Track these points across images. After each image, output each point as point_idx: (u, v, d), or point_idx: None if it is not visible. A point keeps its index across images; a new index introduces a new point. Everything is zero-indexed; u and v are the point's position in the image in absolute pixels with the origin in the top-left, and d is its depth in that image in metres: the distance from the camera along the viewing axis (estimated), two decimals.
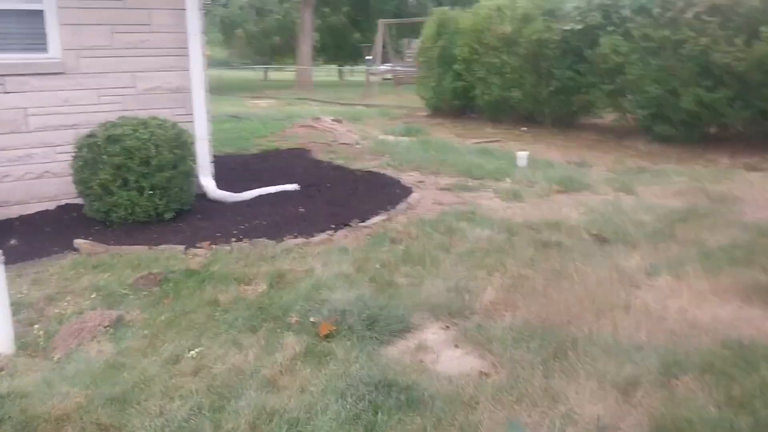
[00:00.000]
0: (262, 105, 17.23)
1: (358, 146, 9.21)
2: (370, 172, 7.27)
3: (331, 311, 3.21)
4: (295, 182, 6.32)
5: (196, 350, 2.81)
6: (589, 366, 2.79)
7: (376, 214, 5.28)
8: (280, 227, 4.85)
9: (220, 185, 5.97)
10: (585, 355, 2.89)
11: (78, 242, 4.28)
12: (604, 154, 9.14)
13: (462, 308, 3.41)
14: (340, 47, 38.18)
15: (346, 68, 40.89)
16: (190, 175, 5.01)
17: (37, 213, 5.14)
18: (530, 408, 2.48)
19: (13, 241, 4.45)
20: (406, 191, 6.20)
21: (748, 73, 8.02)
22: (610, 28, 9.71)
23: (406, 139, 10.32)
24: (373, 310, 3.24)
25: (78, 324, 3.08)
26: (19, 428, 2.28)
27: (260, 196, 5.76)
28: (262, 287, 3.61)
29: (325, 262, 4.04)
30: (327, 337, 2.97)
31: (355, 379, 2.61)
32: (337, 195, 6.01)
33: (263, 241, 4.45)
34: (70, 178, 4.87)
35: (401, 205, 5.59)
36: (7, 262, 2.94)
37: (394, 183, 6.61)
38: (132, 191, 4.59)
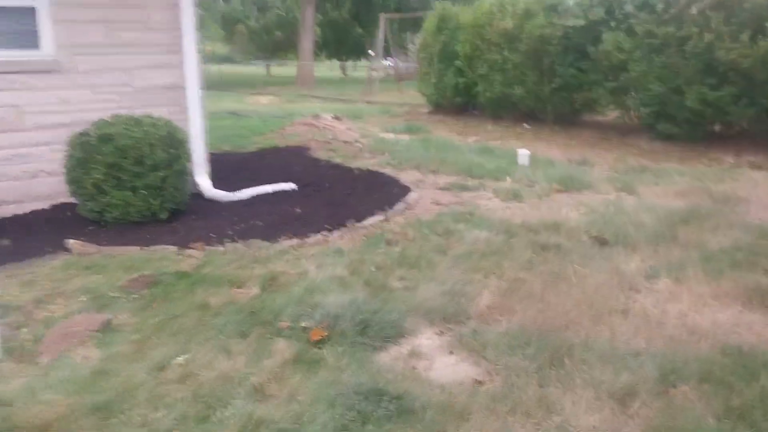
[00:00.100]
0: (263, 102, 17.18)
1: (357, 144, 9.14)
2: (368, 170, 7.20)
3: (324, 316, 3.16)
4: (292, 181, 6.27)
5: (184, 356, 2.76)
6: (585, 374, 2.73)
7: (373, 214, 5.21)
8: (276, 228, 4.79)
9: (217, 184, 5.92)
10: (581, 363, 2.83)
11: (70, 242, 4.23)
12: (606, 152, 9.05)
13: (457, 313, 3.35)
14: (342, 42, 38.04)
15: (349, 63, 40.80)
16: (185, 174, 4.95)
17: (32, 212, 5.09)
18: (524, 419, 2.43)
19: (5, 241, 4.41)
20: (405, 191, 6.14)
21: (753, 70, 7.91)
22: (612, 24, 9.61)
23: (406, 137, 10.25)
24: (366, 314, 3.18)
25: (65, 328, 3.04)
26: None
27: (257, 196, 5.70)
28: (255, 290, 3.55)
29: (319, 265, 3.98)
30: (318, 343, 2.92)
31: (345, 387, 2.55)
32: (334, 194, 5.95)
33: (258, 242, 4.40)
34: (65, 177, 4.81)
35: (399, 205, 5.53)
36: None
37: (393, 182, 6.54)
38: (126, 191, 4.54)
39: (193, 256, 4.12)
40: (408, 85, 19.86)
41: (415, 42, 18.73)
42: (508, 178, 6.86)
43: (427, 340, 3.13)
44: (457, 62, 12.57)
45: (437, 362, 2.91)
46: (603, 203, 5.76)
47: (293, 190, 6.00)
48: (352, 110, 14.70)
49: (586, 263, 4.13)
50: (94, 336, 2.98)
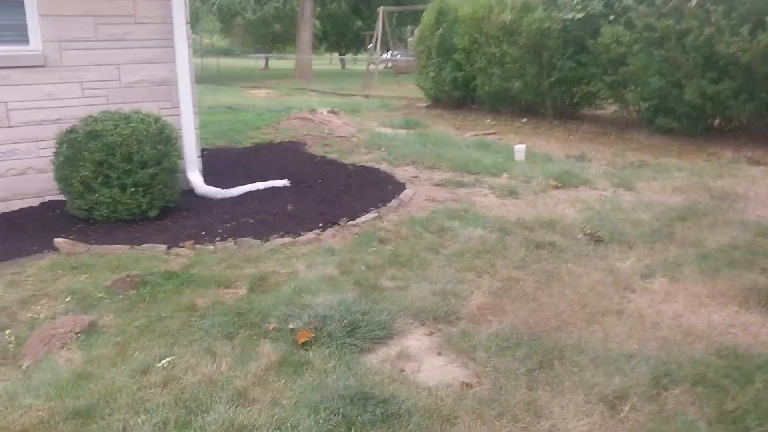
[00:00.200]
0: (260, 95, 17.09)
1: (353, 139, 9.08)
2: (363, 167, 7.14)
3: (312, 317, 3.10)
4: (286, 177, 6.21)
5: (168, 359, 2.70)
6: (576, 377, 2.68)
7: (367, 211, 5.15)
8: (267, 226, 4.73)
9: (210, 180, 5.86)
10: (572, 365, 2.78)
11: (58, 241, 4.18)
12: (604, 147, 8.98)
13: (448, 313, 3.30)
14: (342, 35, 37.90)
15: (349, 57, 40.66)
16: (175, 171, 4.89)
17: (20, 210, 5.03)
18: (511, 423, 2.38)
19: None
20: (400, 187, 6.07)
21: (753, 65, 7.83)
22: (611, 18, 9.51)
23: (403, 131, 10.18)
24: (355, 315, 3.13)
25: (49, 330, 2.99)
26: None
27: (249, 193, 5.64)
28: (243, 291, 3.50)
29: (309, 264, 3.92)
30: (305, 345, 2.87)
31: (330, 391, 2.50)
32: (328, 191, 5.89)
33: (248, 240, 4.34)
34: (53, 174, 4.75)
35: (393, 202, 5.47)
36: None
37: (388, 178, 6.48)
38: (114, 188, 4.48)
39: (183, 255, 4.07)
40: (407, 78, 19.76)
41: (414, 35, 18.61)
42: (504, 174, 6.80)
43: (416, 341, 3.07)
44: (456, 56, 12.48)
45: (426, 364, 2.86)
46: (599, 200, 5.70)
47: (286, 187, 5.94)
48: (350, 104, 14.63)
49: (581, 262, 4.08)
50: (78, 338, 2.93)
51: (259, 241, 4.34)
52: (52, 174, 4.76)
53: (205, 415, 2.33)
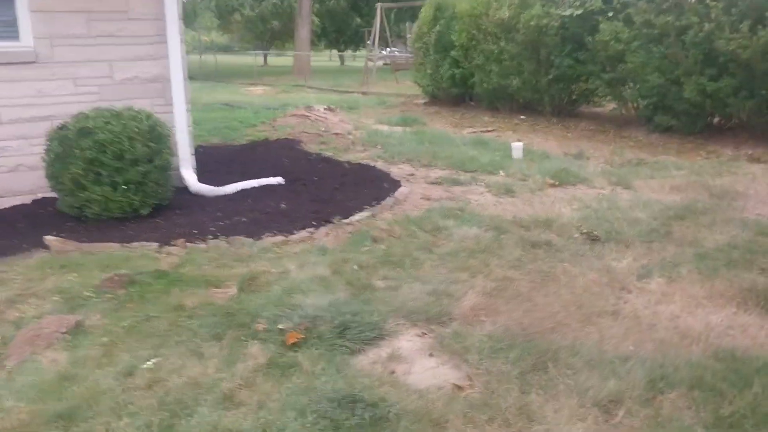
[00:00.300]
0: (257, 92, 17.01)
1: (350, 137, 9.02)
2: (359, 164, 7.08)
3: (302, 317, 3.05)
4: (281, 175, 6.15)
5: (153, 361, 2.65)
6: (569, 380, 2.63)
7: (361, 210, 5.10)
8: (260, 224, 4.68)
9: (204, 178, 5.80)
10: (566, 368, 2.73)
11: (48, 239, 4.12)
12: (602, 144, 8.93)
13: (440, 314, 3.25)
14: (341, 32, 37.81)
15: (348, 53, 40.54)
16: (168, 169, 4.83)
17: (12, 208, 4.98)
18: (503, 428, 2.33)
19: None
20: (395, 185, 6.02)
21: (753, 62, 7.77)
22: (610, 14, 9.45)
23: (400, 129, 10.12)
24: (346, 316, 3.08)
25: (34, 330, 2.93)
26: None
27: (243, 191, 5.58)
28: (233, 290, 3.44)
29: (301, 263, 3.87)
30: (294, 346, 2.81)
31: (318, 393, 2.45)
32: (322, 189, 5.84)
33: (241, 239, 4.29)
34: (44, 172, 4.70)
35: (388, 201, 5.42)
36: None
37: (383, 176, 6.42)
38: (105, 186, 4.42)
39: (174, 254, 4.02)
40: (405, 75, 19.69)
41: (412, 31, 18.54)
42: (501, 172, 6.74)
43: (407, 342, 3.02)
44: (453, 52, 12.41)
45: (417, 366, 2.81)
46: (597, 198, 5.65)
47: (280, 185, 5.88)
48: (348, 101, 14.56)
49: (577, 261, 4.03)
50: (64, 338, 2.88)
51: (251, 240, 4.29)
52: (44, 171, 4.70)
53: (189, 418, 2.28)
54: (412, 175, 6.66)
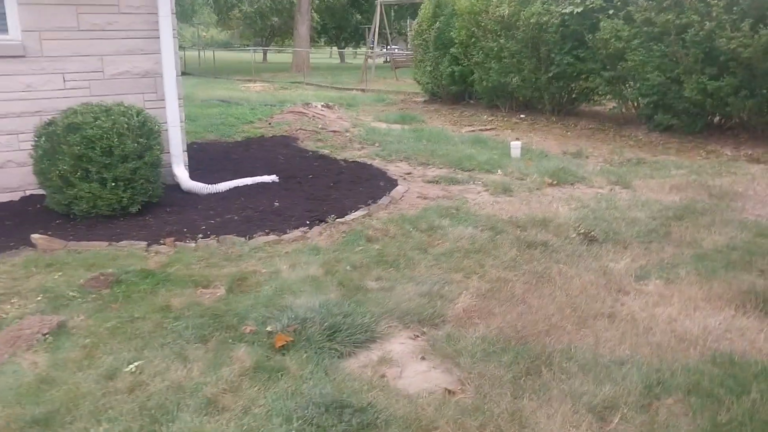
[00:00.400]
0: (255, 89, 16.91)
1: (347, 134, 8.94)
2: (356, 162, 7.01)
3: (291, 319, 2.98)
4: (276, 172, 6.07)
5: (136, 364, 2.58)
6: (564, 385, 2.56)
7: (356, 209, 5.03)
8: (253, 223, 4.61)
9: (197, 175, 5.72)
10: (561, 372, 2.66)
11: (34, 237, 4.04)
12: (602, 143, 8.86)
13: (433, 316, 3.18)
14: (341, 29, 37.71)
15: (349, 51, 40.42)
16: (158, 165, 4.75)
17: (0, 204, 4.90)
18: None
19: None
20: (391, 184, 5.95)
21: (753, 61, 7.69)
22: (611, 12, 9.36)
23: (398, 126, 10.04)
24: (337, 318, 3.00)
25: (15, 331, 2.86)
26: None
27: (236, 188, 5.50)
28: (221, 291, 3.37)
29: (293, 263, 3.80)
30: (282, 349, 2.74)
31: (305, 399, 2.38)
32: (317, 187, 5.76)
33: (231, 238, 4.21)
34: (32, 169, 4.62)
35: (384, 200, 5.34)
36: None
37: (380, 175, 6.35)
38: (93, 183, 4.34)
39: (162, 253, 3.94)
40: (405, 72, 19.60)
41: (412, 28, 18.44)
42: (499, 171, 6.67)
43: (399, 345, 2.95)
44: (453, 50, 12.32)
45: (408, 369, 2.74)
46: (595, 198, 5.57)
47: (275, 183, 5.80)
48: (346, 98, 14.47)
49: (573, 262, 3.96)
50: (46, 339, 2.80)
51: (242, 239, 4.21)
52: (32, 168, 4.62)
53: (170, 424, 2.21)
54: (410, 173, 6.59)
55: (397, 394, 2.50)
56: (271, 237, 4.32)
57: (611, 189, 6.00)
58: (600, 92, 10.57)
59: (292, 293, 3.34)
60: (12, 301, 3.24)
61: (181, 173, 5.44)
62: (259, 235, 4.32)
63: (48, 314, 3.03)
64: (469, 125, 10.59)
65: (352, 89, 17.76)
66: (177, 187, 5.44)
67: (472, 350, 2.82)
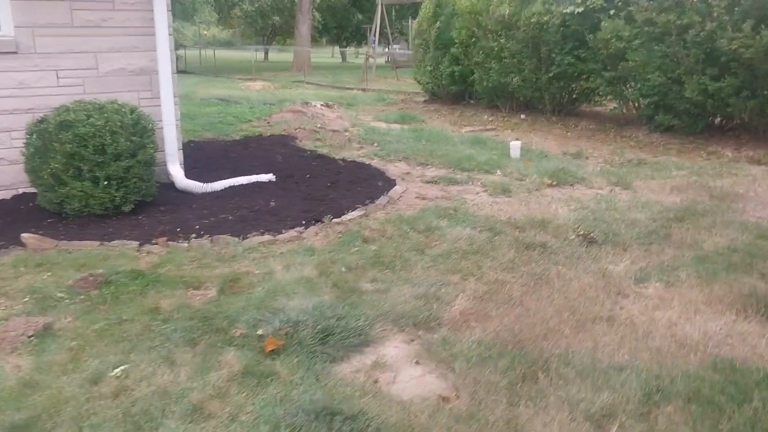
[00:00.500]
0: (255, 87, 16.84)
1: (346, 133, 8.87)
2: (354, 162, 6.94)
3: (283, 322, 2.91)
4: (274, 171, 6.00)
5: (122, 368, 2.51)
6: (561, 392, 2.50)
7: (354, 209, 4.96)
8: (248, 222, 4.54)
9: (194, 174, 5.66)
10: (558, 378, 2.59)
11: (25, 237, 3.98)
12: (602, 144, 8.79)
13: (429, 319, 3.12)
14: (343, 28, 37.62)
15: (351, 50, 40.36)
16: (152, 164, 4.68)
17: None
18: None
19: None
20: (390, 184, 5.88)
21: (755, 62, 7.62)
22: (612, 12, 9.29)
23: (398, 126, 9.97)
24: (330, 321, 2.94)
25: (1, 333, 2.79)
26: None
27: (232, 187, 5.43)
28: (212, 292, 3.30)
29: (287, 264, 3.73)
30: (272, 353, 2.68)
31: (295, 405, 2.32)
32: (315, 187, 5.69)
33: (225, 238, 4.15)
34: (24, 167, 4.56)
35: (381, 200, 5.27)
36: None
37: (379, 175, 6.28)
38: (85, 181, 4.27)
39: (154, 253, 3.87)
40: (406, 72, 19.52)
41: (413, 28, 18.37)
42: (498, 172, 6.60)
43: (394, 348, 2.89)
44: (453, 50, 12.24)
45: (402, 374, 2.68)
46: (595, 199, 5.51)
47: (271, 182, 5.73)
48: (346, 97, 14.41)
49: (572, 264, 3.89)
50: (31, 342, 2.74)
51: (236, 239, 4.14)
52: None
53: (154, 431, 2.14)
54: (408, 173, 6.52)
55: (390, 401, 2.43)
56: (266, 237, 4.26)
57: (611, 190, 5.93)
58: (601, 93, 10.49)
59: (286, 295, 3.27)
60: None
61: (176, 172, 5.37)
62: (254, 235, 4.26)
63: (35, 316, 2.97)
64: (469, 125, 10.52)
65: (353, 89, 17.69)
66: (172, 185, 5.38)
67: (468, 355, 2.76)
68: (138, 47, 5.20)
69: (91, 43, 5.02)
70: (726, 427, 2.29)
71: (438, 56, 12.70)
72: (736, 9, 7.71)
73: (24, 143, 4.44)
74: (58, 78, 4.94)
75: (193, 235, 4.20)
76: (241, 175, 5.75)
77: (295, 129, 8.91)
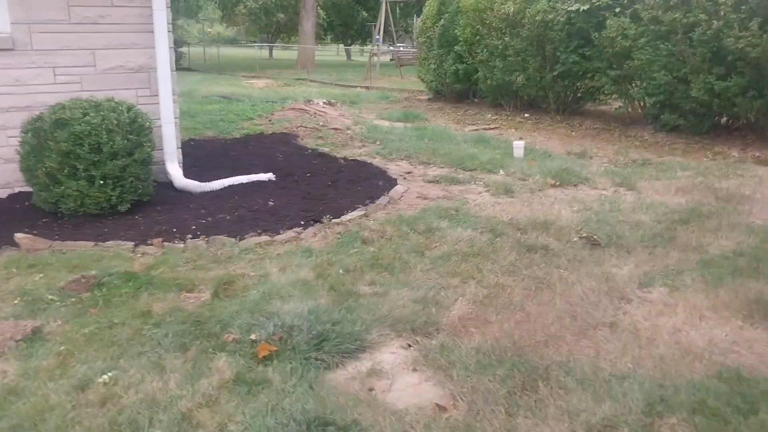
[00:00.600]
0: (259, 85, 16.79)
1: (348, 132, 8.80)
2: (356, 160, 6.87)
3: (277, 327, 2.85)
4: (274, 170, 5.94)
5: (110, 374, 2.45)
6: (561, 401, 2.42)
7: (354, 209, 4.90)
8: (245, 222, 4.48)
9: (193, 172, 5.61)
10: (558, 387, 2.52)
11: (18, 237, 3.93)
12: (607, 144, 8.69)
13: (427, 324, 3.05)
14: (348, 26, 37.52)
15: (356, 48, 40.26)
16: (149, 163, 4.62)
17: None
18: None
19: None
20: (391, 183, 5.81)
21: (762, 60, 7.50)
22: (617, 10, 9.18)
23: (401, 125, 9.90)
24: (325, 325, 2.87)
25: None
26: None
27: (230, 187, 5.37)
28: (206, 295, 3.24)
29: (283, 266, 3.66)
30: (265, 359, 2.61)
31: (286, 415, 2.25)
32: (315, 186, 5.63)
33: (221, 238, 4.08)
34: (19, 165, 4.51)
35: (382, 199, 5.20)
36: None
37: (380, 174, 6.21)
38: (81, 181, 4.22)
39: (149, 254, 3.81)
40: (410, 70, 19.43)
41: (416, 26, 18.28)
42: (501, 171, 6.52)
43: (391, 354, 2.82)
44: (457, 47, 12.15)
45: (398, 382, 2.61)
46: (598, 200, 5.42)
47: (271, 181, 5.67)
48: (350, 95, 14.34)
49: (575, 268, 3.81)
50: (18, 346, 2.68)
51: (233, 240, 4.08)
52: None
53: None
54: (410, 172, 6.45)
55: (385, 410, 2.36)
56: (263, 238, 4.20)
57: (615, 191, 5.84)
58: (606, 91, 10.38)
59: (281, 298, 3.21)
60: None
61: (175, 171, 5.31)
62: (251, 236, 4.20)
63: (24, 319, 2.91)
64: (472, 124, 10.44)
65: (357, 86, 17.62)
66: (170, 185, 5.32)
67: (466, 362, 2.69)
68: (136, 44, 5.14)
69: (89, 40, 4.96)
70: None
71: (442, 54, 12.61)
72: (743, 7, 7.59)
73: (19, 141, 4.39)
74: (55, 75, 4.89)
75: (190, 236, 4.14)
76: (240, 174, 5.69)
77: (297, 127, 8.84)
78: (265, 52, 40.53)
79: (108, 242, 3.95)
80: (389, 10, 19.54)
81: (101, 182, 4.25)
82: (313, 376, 2.54)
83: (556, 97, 10.82)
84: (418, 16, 20.65)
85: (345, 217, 4.69)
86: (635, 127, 9.56)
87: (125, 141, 4.32)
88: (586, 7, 9.50)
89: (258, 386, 2.42)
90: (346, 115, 10.38)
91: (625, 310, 3.28)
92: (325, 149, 7.55)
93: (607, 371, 2.65)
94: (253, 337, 2.77)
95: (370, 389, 2.53)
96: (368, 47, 32.97)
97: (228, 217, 4.59)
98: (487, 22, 11.18)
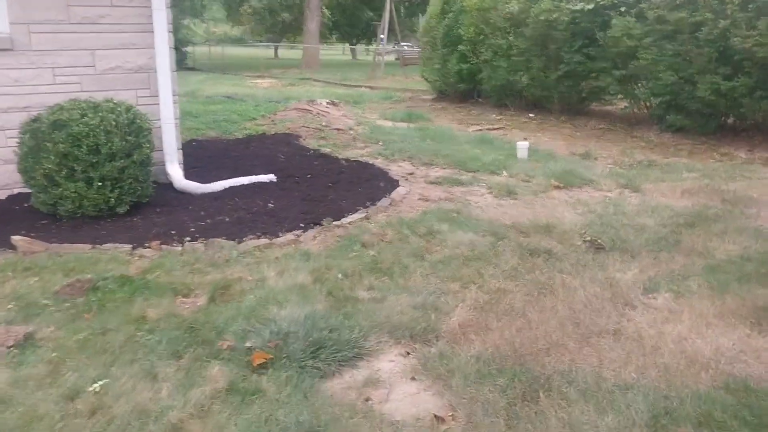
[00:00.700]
0: (263, 85, 16.76)
1: (351, 132, 8.74)
2: (357, 161, 6.81)
3: (273, 334, 2.79)
4: (275, 171, 5.89)
5: (101, 383, 2.40)
6: (562, 413, 2.36)
7: (354, 211, 4.84)
8: (244, 225, 4.42)
9: (194, 173, 5.56)
10: (560, 398, 2.46)
11: (15, 239, 3.88)
12: (611, 144, 8.60)
13: (426, 330, 2.99)
14: (353, 25, 37.47)
15: (361, 48, 40.21)
16: (147, 164, 4.57)
17: None
18: None
19: None
20: (392, 185, 5.74)
21: None
22: (622, 9, 9.10)
23: (404, 125, 9.83)
24: (322, 332, 2.82)
25: None
26: None
27: (231, 188, 5.32)
28: (202, 301, 3.19)
29: (281, 270, 3.61)
30: (260, 367, 2.56)
31: (279, 426, 2.20)
32: (315, 188, 5.57)
33: (220, 241, 4.03)
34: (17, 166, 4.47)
35: (383, 201, 5.14)
36: None
37: (381, 175, 6.15)
38: (79, 182, 4.17)
39: (147, 257, 3.77)
40: (414, 70, 19.36)
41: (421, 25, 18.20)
42: (504, 173, 6.45)
43: (389, 362, 2.76)
44: (461, 47, 12.08)
45: (396, 391, 2.55)
46: (603, 202, 5.35)
47: (272, 182, 5.61)
48: (353, 95, 14.29)
49: (578, 272, 3.74)
50: (9, 353, 2.63)
51: (231, 243, 4.03)
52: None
53: None
54: (412, 174, 6.38)
55: (381, 421, 2.31)
56: (262, 241, 4.14)
57: (620, 193, 5.77)
58: (611, 91, 10.29)
59: (278, 303, 3.15)
60: None
61: (175, 172, 5.26)
62: (250, 239, 4.14)
63: (17, 324, 2.87)
64: (476, 124, 10.36)
65: (361, 86, 17.56)
66: (170, 186, 5.27)
67: (466, 370, 2.63)
68: (136, 44, 5.09)
69: (88, 41, 4.92)
70: None
71: (446, 54, 12.54)
72: (750, 6, 7.51)
73: (17, 143, 4.35)
74: (54, 76, 4.84)
75: (188, 238, 4.09)
76: (241, 175, 5.64)
77: (299, 127, 8.79)
78: (271, 52, 40.53)
79: (105, 245, 3.90)
80: (394, 9, 19.46)
81: (99, 184, 4.21)
82: (309, 385, 2.49)
83: (560, 97, 10.74)
84: (423, 15, 20.60)
85: (345, 220, 4.63)
86: (640, 128, 9.47)
87: (124, 142, 4.28)
88: (590, 7, 9.42)
89: (251, 396, 2.37)
90: (348, 115, 10.32)
91: (629, 317, 3.21)
92: (327, 150, 7.49)
93: (610, 381, 2.59)
94: (248, 344, 2.72)
95: (367, 399, 2.48)
96: (373, 47, 32.92)
97: (227, 219, 4.54)
98: (491, 21, 11.11)
